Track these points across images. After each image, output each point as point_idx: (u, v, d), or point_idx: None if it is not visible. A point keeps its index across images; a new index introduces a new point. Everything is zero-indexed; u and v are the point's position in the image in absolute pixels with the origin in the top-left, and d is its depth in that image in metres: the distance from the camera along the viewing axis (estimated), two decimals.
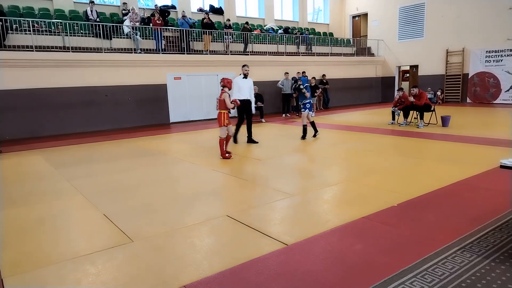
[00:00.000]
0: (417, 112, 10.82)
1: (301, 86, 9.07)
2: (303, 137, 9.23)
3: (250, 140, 8.89)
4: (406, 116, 11.23)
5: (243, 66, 8.71)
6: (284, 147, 8.66)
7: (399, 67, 20.85)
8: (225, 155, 7.26)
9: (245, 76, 8.56)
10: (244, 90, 8.50)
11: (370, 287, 2.60)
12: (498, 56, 16.41)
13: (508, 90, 16.29)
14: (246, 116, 8.78)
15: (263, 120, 13.61)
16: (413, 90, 10.79)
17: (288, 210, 4.45)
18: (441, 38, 18.25)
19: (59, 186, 5.75)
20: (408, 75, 21.13)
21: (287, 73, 15.02)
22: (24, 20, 11.55)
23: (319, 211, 4.32)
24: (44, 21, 11.98)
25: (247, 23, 17.17)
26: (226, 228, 3.84)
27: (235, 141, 8.94)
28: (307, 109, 9.02)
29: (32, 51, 11.18)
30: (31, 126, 11.31)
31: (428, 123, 10.81)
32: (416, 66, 19.80)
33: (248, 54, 16.15)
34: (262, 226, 3.81)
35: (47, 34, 11.90)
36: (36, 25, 11.72)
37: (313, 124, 9.32)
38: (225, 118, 7.14)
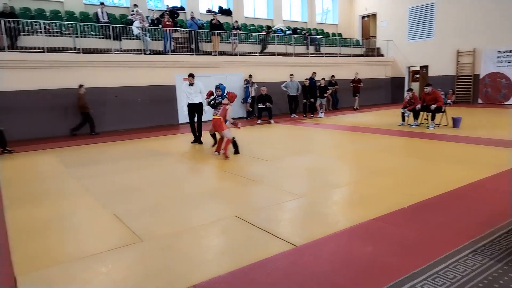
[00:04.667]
0: (428, 113, 10.70)
1: (216, 102, 8.02)
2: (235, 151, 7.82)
3: (199, 139, 9.48)
4: (416, 117, 11.10)
5: (189, 75, 9.16)
6: (292, 147, 8.64)
7: (409, 67, 20.67)
8: (226, 154, 7.41)
9: (191, 84, 9.09)
10: (191, 95, 9.08)
11: None
12: (510, 56, 16.17)
13: None
14: (197, 117, 9.40)
15: (272, 121, 13.61)
16: (426, 88, 10.61)
17: (297, 211, 4.44)
18: (451, 38, 18.03)
19: (69, 185, 5.82)
20: (418, 75, 20.93)
21: (292, 74, 14.95)
22: (36, 22, 11.72)
23: (328, 212, 4.30)
24: (55, 23, 12.14)
25: (269, 27, 17.35)
26: (235, 229, 3.84)
27: (200, 142, 9.41)
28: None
29: (44, 52, 11.33)
30: (43, 126, 11.45)
31: (439, 124, 10.67)
32: (426, 67, 19.59)
33: (257, 55, 16.16)
34: (271, 227, 3.80)
35: (58, 36, 12.05)
36: (47, 26, 11.87)
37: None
38: (223, 123, 7.53)
